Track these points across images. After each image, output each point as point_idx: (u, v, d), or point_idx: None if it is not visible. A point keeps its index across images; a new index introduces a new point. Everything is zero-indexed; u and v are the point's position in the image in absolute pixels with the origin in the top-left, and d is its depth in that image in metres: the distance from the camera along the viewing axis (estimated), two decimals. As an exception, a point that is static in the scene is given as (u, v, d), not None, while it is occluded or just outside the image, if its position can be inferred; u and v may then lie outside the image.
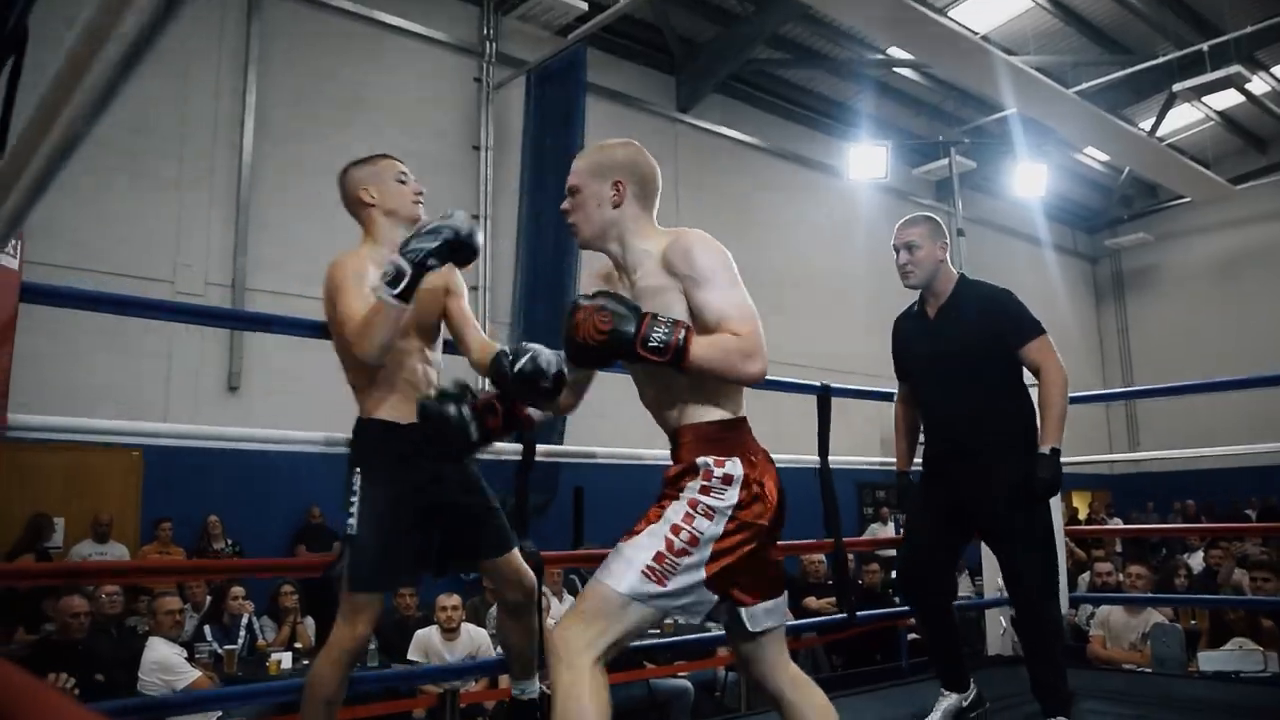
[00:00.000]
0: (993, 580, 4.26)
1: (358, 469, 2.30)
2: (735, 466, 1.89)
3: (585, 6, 8.98)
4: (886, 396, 3.61)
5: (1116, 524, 13.28)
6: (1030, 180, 13.45)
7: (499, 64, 10.02)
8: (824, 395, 3.55)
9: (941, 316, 3.09)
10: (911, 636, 6.31)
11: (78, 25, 0.73)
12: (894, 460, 3.35)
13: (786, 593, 2.05)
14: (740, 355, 1.81)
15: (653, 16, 10.75)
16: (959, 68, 10.68)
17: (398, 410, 2.31)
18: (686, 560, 1.81)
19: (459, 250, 2.09)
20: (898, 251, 3.11)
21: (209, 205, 8.26)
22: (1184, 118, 14.51)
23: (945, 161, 13.20)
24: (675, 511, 1.86)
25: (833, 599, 6.61)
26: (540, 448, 2.76)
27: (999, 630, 4.24)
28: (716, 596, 1.86)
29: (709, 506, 1.85)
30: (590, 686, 1.71)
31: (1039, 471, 2.83)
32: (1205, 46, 10.88)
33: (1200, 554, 8.26)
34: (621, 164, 2.14)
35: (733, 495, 1.86)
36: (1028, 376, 3.04)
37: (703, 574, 1.83)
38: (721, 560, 1.84)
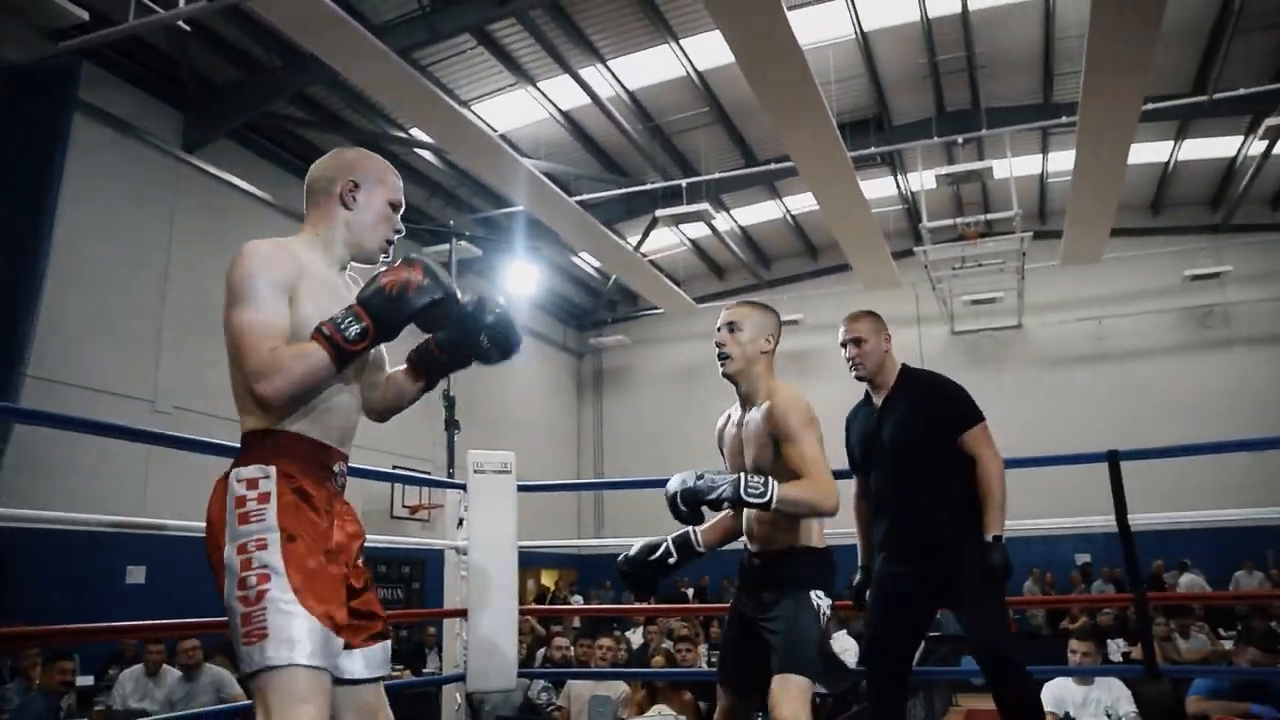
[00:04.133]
0: (450, 658, 4.38)
1: None
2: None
3: (86, 15, 8.09)
4: (358, 473, 3.58)
5: (578, 602, 14.35)
6: (523, 277, 14.52)
7: (-32, 54, 8.67)
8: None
9: (888, 406, 3.16)
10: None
11: None
12: None
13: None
14: None
15: (165, 44, 9.97)
16: (475, 159, 11.22)
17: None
18: None
19: None
20: (844, 345, 3.18)
21: None
22: (664, 239, 16.51)
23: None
24: None
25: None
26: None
27: (454, 707, 4.35)
28: None
29: None
30: None
31: (993, 558, 2.87)
32: (684, 183, 12.51)
33: (641, 630, 9.18)
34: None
35: None
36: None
37: None
38: None
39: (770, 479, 2.48)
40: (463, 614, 4.16)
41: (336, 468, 1.98)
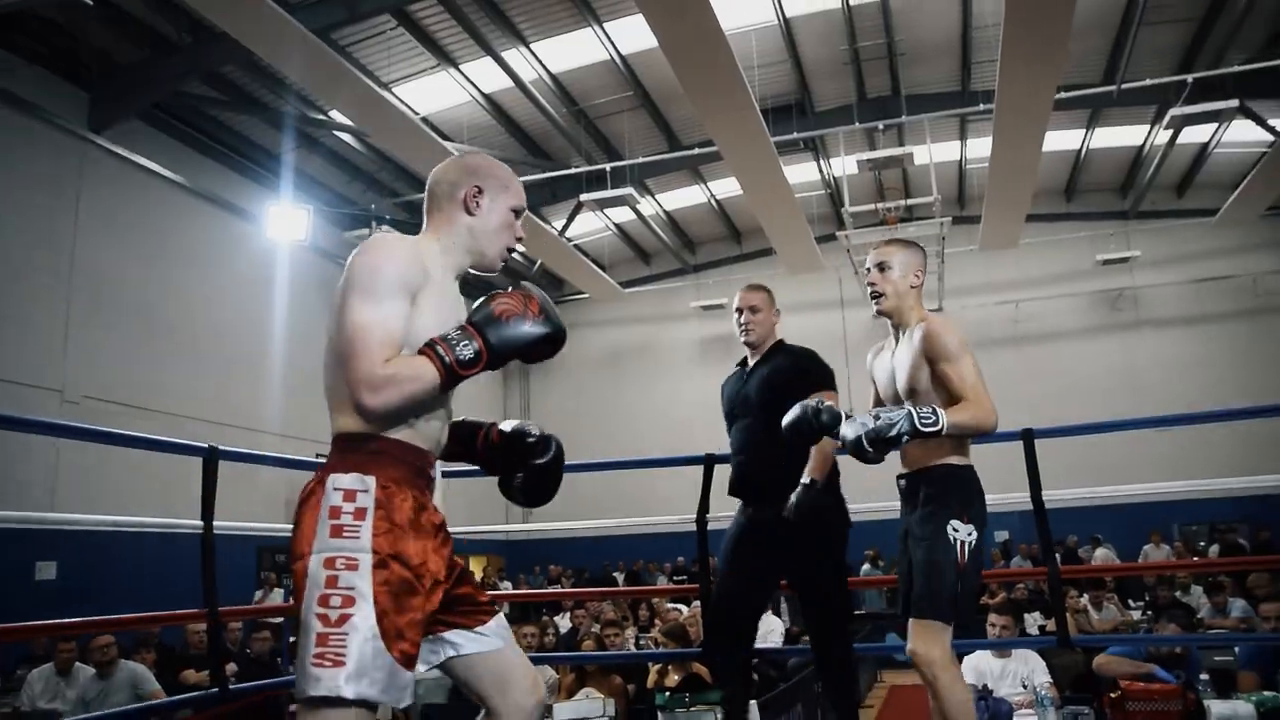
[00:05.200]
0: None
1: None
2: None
3: (-22, -11, 7.74)
4: (283, 463, 3.50)
5: (507, 588, 14.29)
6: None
7: None
8: (210, 459, 3.27)
9: (754, 368, 3.43)
10: (293, 708, 6.10)
11: None
12: None
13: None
14: None
15: (65, 20, 9.54)
16: (397, 142, 11.04)
17: None
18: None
19: None
20: (739, 312, 3.41)
21: None
22: (589, 224, 16.46)
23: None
24: None
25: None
26: None
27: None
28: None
29: None
30: None
31: (798, 497, 3.07)
32: (608, 167, 12.47)
33: (568, 614, 9.16)
34: None
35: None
36: None
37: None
38: None
39: (937, 409, 2.54)
40: (388, 603, 4.08)
41: (431, 473, 1.94)
